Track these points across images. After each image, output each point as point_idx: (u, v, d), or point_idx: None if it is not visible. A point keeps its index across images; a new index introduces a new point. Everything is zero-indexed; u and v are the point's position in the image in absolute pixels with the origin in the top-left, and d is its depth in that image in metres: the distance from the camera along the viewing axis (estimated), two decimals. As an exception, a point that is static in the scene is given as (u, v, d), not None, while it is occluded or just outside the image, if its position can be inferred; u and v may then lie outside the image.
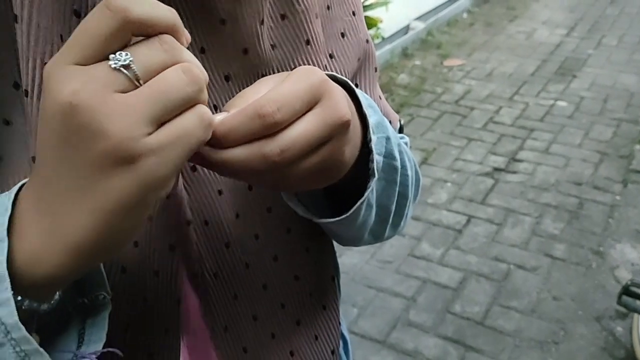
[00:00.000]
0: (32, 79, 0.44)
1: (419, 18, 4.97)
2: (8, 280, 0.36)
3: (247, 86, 0.45)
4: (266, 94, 0.40)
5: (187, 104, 0.35)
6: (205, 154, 0.40)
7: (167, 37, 0.35)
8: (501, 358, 2.10)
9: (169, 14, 0.36)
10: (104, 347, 0.42)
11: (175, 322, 0.54)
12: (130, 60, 0.33)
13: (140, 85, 0.34)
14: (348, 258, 2.54)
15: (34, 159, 0.44)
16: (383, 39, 4.42)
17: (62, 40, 0.44)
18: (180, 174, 0.52)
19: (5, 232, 0.36)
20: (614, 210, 2.83)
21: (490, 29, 5.10)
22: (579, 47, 4.68)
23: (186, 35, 0.37)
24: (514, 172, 3.15)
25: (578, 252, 2.58)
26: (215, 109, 0.52)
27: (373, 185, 0.51)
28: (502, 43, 4.81)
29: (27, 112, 0.44)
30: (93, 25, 0.34)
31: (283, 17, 0.53)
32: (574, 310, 2.29)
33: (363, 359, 2.11)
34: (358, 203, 0.51)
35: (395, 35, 4.64)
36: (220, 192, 0.54)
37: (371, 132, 0.50)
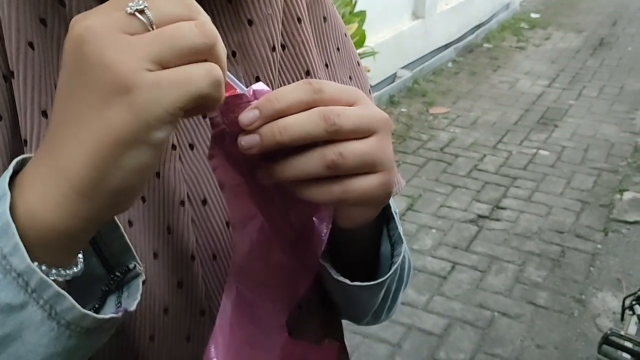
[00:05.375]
0: (31, 127, 0.46)
1: (405, 67, 5.11)
2: (13, 226, 0.36)
3: None
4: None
5: (195, 56, 0.36)
6: (268, 167, 0.44)
7: None
8: (485, 406, 2.11)
9: None
10: None
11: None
12: (145, 6, 0.35)
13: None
14: (334, 304, 2.55)
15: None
16: (371, 86, 4.52)
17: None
18: (188, 204, 0.52)
19: (6, 187, 0.37)
20: (595, 259, 2.89)
21: (475, 78, 5.25)
22: (560, 97, 4.82)
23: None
24: (498, 220, 3.20)
25: (560, 300, 2.62)
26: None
27: (403, 250, 0.56)
28: (486, 92, 4.94)
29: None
30: None
31: (283, 47, 0.58)
32: (557, 358, 2.31)
33: (348, 407, 2.10)
34: (395, 265, 0.55)
35: (382, 83, 4.76)
36: (227, 225, 0.54)
37: (393, 211, 0.56)
